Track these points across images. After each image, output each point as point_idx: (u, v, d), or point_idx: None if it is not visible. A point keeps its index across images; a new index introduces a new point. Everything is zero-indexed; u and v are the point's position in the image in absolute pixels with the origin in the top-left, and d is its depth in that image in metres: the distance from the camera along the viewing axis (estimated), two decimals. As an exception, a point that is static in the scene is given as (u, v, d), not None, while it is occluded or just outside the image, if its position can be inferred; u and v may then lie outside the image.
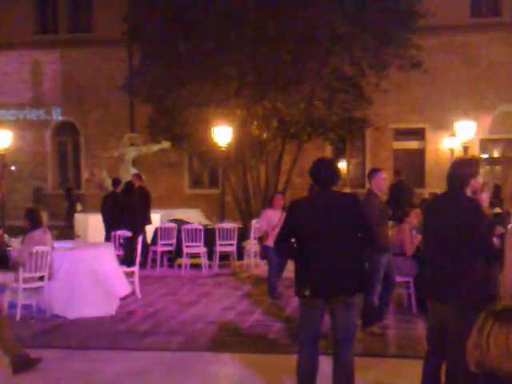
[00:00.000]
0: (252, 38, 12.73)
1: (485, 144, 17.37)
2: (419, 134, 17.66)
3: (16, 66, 19.57)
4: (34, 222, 7.05)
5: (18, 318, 6.83)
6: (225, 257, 11.04)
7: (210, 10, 12.66)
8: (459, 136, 15.53)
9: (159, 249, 10.87)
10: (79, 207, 17.56)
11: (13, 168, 18.93)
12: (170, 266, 11.07)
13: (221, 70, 12.91)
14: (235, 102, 13.39)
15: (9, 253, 7.11)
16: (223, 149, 13.61)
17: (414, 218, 7.19)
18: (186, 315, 7.25)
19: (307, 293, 3.97)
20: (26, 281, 6.93)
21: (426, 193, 15.54)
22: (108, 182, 12.86)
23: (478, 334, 1.84)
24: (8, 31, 19.08)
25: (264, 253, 8.59)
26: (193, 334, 6.32)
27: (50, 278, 7.10)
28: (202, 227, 10.73)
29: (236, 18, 12.63)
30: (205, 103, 13.43)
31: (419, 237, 6.58)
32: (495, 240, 4.27)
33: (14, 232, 9.34)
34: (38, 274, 7.02)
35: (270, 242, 7.57)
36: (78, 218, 13.89)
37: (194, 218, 13.25)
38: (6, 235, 8.01)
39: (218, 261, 10.74)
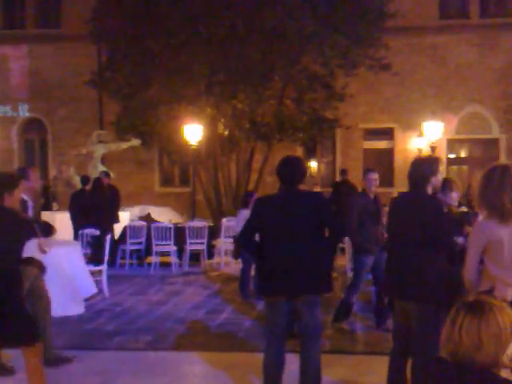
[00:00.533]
0: (222, 36, 12.67)
1: (452, 144, 17.66)
2: (388, 133, 17.83)
3: (-18, 61, 19.13)
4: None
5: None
6: (195, 255, 11.02)
7: (177, 5, 12.53)
8: (427, 136, 15.81)
9: (128, 247, 10.78)
10: (55, 206, 17.22)
11: (-22, 165, 18.50)
12: (140, 264, 10.99)
13: (191, 67, 12.82)
14: (205, 100, 13.34)
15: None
16: (194, 147, 13.56)
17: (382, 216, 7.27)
18: (155, 314, 7.20)
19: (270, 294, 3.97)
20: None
21: (394, 192, 15.70)
22: (76, 180, 12.69)
23: (451, 325, 1.87)
24: (-27, 26, 18.66)
25: (239, 252, 8.59)
26: (161, 333, 6.28)
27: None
28: (172, 225, 10.69)
29: (204, 13, 12.53)
30: (175, 101, 13.34)
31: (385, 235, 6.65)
32: (461, 239, 4.32)
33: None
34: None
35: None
36: (45, 216, 13.64)
37: (166, 216, 13.16)
38: None
39: (188, 259, 10.71)
